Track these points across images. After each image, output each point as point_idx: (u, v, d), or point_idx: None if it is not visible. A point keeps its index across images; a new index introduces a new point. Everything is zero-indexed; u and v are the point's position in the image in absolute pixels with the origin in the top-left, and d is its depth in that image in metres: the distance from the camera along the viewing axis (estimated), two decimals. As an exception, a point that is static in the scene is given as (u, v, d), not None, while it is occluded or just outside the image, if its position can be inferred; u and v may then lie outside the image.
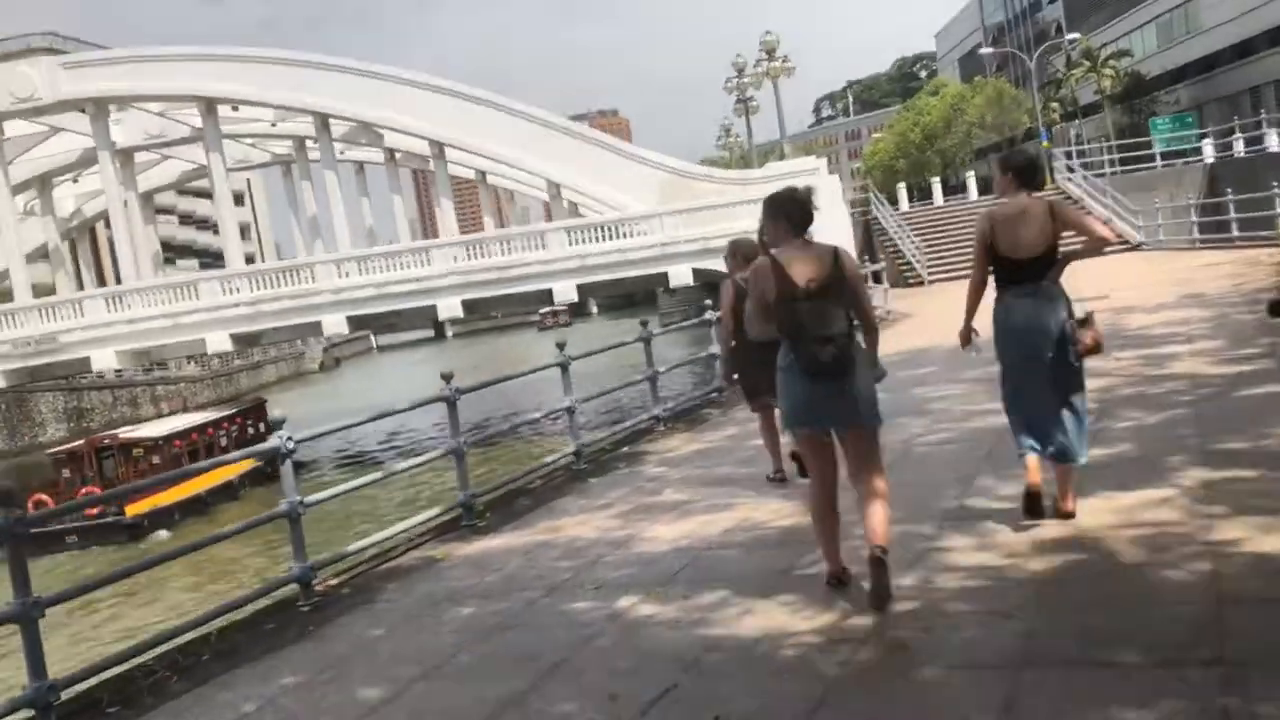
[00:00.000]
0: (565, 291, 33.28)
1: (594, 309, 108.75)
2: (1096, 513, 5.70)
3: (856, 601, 4.97)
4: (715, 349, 12.19)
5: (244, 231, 70.94)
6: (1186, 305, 14.63)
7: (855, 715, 3.99)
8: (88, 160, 40.93)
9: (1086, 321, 5.69)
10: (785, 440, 7.30)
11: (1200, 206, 26.85)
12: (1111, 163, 35.85)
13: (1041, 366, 5.63)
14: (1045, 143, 48.59)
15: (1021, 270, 5.64)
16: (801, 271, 4.96)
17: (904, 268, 31.09)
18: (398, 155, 46.04)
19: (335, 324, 34.85)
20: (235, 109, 40.47)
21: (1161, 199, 28.50)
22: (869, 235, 34.48)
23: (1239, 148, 34.03)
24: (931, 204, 40.46)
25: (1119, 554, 5.13)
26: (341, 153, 42.48)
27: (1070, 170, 34.36)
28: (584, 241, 32.97)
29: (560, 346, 10.20)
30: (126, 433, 34.59)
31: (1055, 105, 64.69)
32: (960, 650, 4.33)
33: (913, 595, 4.96)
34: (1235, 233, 23.91)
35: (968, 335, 5.95)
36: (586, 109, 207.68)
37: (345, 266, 34.37)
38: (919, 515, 6.16)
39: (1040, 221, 5.61)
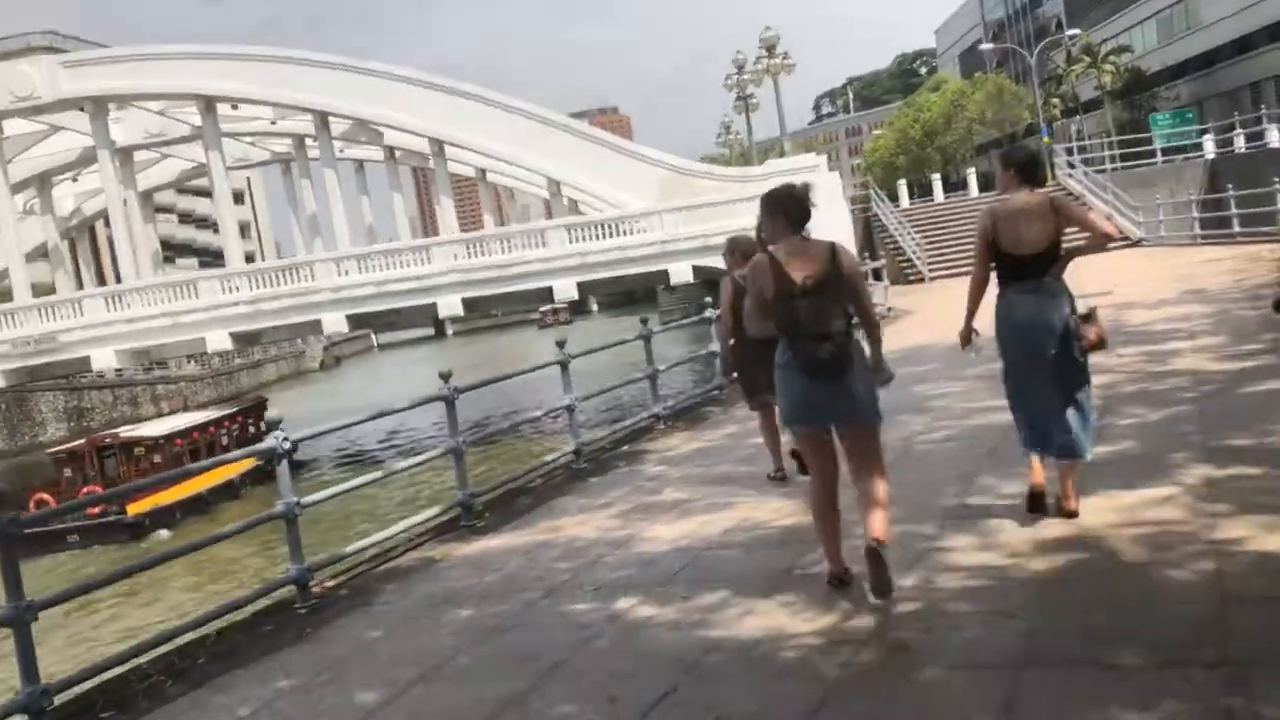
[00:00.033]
0: (565, 289, 33.27)
1: (594, 307, 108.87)
2: (1099, 511, 5.66)
3: (858, 602, 4.94)
4: (715, 346, 12.16)
5: (244, 230, 70.82)
6: (1188, 301, 14.59)
7: (856, 717, 3.97)
8: (87, 159, 40.89)
9: (1090, 317, 5.65)
10: (785, 438, 7.27)
11: (1201, 202, 26.84)
12: (1112, 159, 35.86)
13: (1044, 363, 5.59)
14: (1046, 139, 48.53)
15: (1024, 266, 5.60)
16: (799, 268, 4.94)
17: (904, 265, 31.08)
18: (397, 153, 46.01)
19: (335, 322, 34.86)
20: (235, 107, 40.48)
21: (1162, 195, 28.46)
22: (869, 232, 34.46)
23: (1240, 143, 34.02)
24: (932, 200, 40.48)
25: (1121, 553, 5.10)
26: (341, 151, 42.47)
27: (1071, 166, 34.31)
28: (584, 239, 32.98)
29: (560, 344, 10.17)
30: (127, 432, 34.58)
31: (1056, 101, 64.56)
32: (962, 650, 4.30)
33: (914, 595, 4.93)
34: (1236, 228, 23.90)
35: (968, 335, 5.91)
36: (587, 107, 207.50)
37: (345, 265, 34.37)
38: (920, 514, 6.12)
39: (1042, 217, 5.57)
